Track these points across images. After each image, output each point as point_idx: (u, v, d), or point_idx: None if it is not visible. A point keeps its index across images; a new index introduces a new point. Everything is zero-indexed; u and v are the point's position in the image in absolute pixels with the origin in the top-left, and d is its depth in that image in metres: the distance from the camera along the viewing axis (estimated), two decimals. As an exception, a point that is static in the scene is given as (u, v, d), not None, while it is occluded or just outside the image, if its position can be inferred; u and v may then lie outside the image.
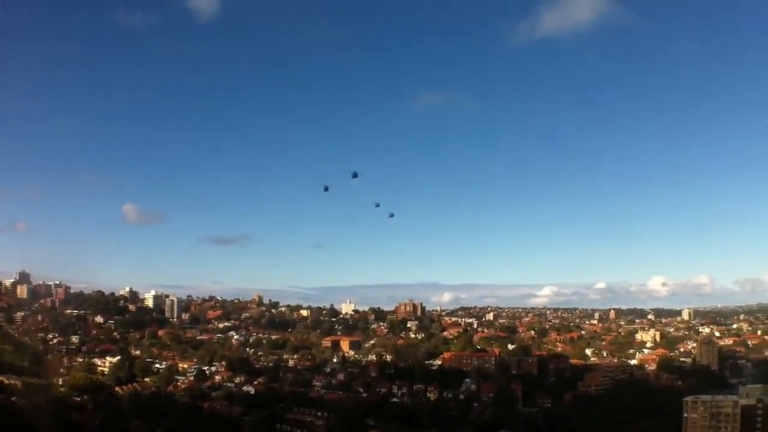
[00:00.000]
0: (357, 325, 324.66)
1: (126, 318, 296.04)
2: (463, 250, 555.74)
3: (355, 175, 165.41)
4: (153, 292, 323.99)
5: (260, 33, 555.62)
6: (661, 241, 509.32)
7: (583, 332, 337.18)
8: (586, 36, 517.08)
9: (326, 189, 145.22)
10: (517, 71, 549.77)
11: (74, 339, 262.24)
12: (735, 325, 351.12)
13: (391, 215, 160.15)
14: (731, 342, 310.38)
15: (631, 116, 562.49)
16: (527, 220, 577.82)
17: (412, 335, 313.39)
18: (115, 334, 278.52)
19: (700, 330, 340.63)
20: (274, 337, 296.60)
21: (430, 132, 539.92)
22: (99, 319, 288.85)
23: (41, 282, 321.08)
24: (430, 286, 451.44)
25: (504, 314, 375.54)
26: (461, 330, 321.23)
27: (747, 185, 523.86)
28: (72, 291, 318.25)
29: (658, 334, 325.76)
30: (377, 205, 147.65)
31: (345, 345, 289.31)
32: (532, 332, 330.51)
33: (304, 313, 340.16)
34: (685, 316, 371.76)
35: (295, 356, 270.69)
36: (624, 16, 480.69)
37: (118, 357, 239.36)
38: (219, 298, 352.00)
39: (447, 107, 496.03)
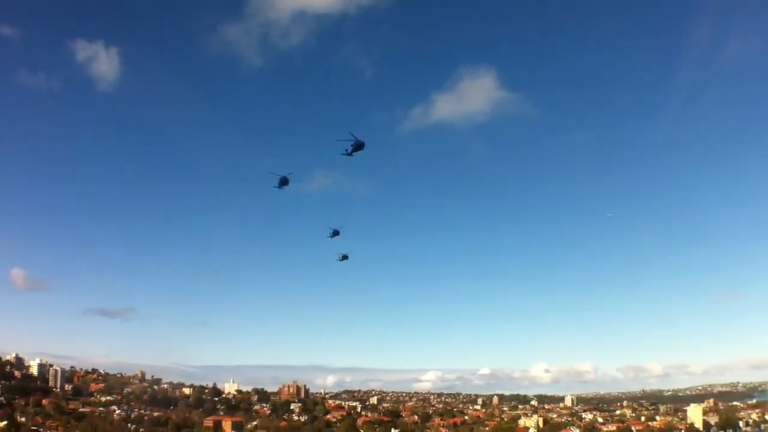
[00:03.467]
0: (239, 405, 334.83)
1: (12, 384, 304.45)
2: (349, 333, 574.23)
3: (335, 233, 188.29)
4: (38, 360, 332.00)
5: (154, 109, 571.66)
6: (544, 327, 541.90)
7: (466, 417, 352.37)
8: (480, 124, 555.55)
9: None
10: (409, 155, 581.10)
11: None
12: (618, 412, 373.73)
13: None
14: (614, 428, 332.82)
15: (518, 203, 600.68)
16: (411, 304, 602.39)
17: (296, 417, 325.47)
18: (2, 398, 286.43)
19: (583, 416, 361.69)
20: (155, 414, 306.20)
21: (322, 212, 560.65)
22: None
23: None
24: (315, 368, 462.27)
25: (388, 398, 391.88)
26: (345, 413, 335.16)
27: (630, 275, 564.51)
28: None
29: (541, 420, 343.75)
30: None
31: (227, 425, 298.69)
32: (416, 417, 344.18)
33: (187, 391, 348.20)
34: (568, 402, 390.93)
35: None
36: (519, 106, 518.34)
37: (5, 422, 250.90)
38: (102, 371, 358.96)
39: (338, 190, 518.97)
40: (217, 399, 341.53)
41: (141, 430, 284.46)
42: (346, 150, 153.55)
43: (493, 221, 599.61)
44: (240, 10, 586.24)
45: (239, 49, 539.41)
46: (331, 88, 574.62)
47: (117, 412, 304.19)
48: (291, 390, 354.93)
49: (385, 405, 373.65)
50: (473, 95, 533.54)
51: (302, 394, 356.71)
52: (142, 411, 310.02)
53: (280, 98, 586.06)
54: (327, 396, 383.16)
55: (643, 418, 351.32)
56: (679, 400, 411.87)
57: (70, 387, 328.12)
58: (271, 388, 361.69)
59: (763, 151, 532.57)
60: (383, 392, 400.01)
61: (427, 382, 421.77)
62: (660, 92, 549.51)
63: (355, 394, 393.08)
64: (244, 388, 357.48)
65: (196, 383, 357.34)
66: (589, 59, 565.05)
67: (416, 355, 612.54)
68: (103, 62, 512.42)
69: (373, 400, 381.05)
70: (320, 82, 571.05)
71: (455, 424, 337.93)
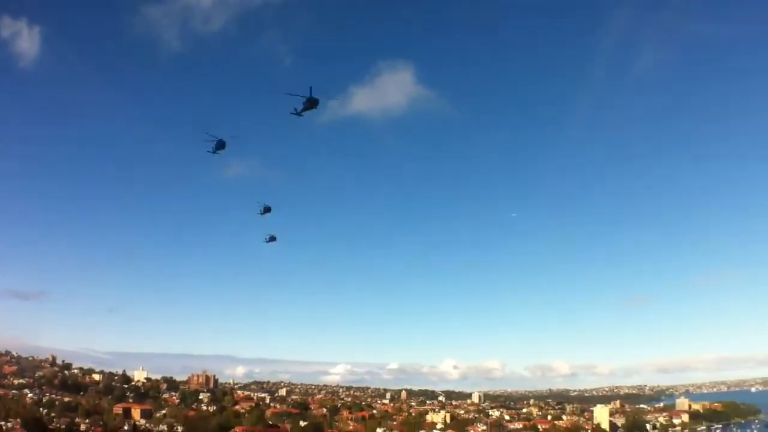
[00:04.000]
0: (149, 393, 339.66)
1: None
2: (259, 323, 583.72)
3: (267, 210, 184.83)
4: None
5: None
6: (453, 324, 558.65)
7: (374, 411, 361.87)
8: (396, 118, 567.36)
9: None
10: (325, 146, 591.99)
11: None
12: (525, 410, 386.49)
13: None
14: (521, 426, 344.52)
15: (430, 199, 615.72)
16: (320, 296, 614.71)
17: (204, 407, 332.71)
18: None
19: (490, 413, 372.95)
20: (66, 399, 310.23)
21: (237, 200, 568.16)
22: None
23: None
24: (224, 359, 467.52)
25: (297, 390, 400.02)
26: (254, 404, 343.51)
27: (538, 275, 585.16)
28: None
29: (448, 415, 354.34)
30: None
31: (136, 413, 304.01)
32: (325, 410, 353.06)
33: (97, 377, 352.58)
34: (476, 398, 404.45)
35: (87, 421, 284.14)
36: (436, 102, 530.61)
37: None
38: (14, 353, 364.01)
39: (256, 179, 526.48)
40: (126, 386, 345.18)
41: (52, 414, 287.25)
42: (296, 109, 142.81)
43: (406, 216, 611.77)
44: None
45: (160, 31, 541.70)
46: (249, 76, 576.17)
47: (29, 395, 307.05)
48: (200, 379, 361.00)
49: (294, 397, 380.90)
50: (391, 89, 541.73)
51: (211, 384, 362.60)
52: (54, 395, 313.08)
53: (198, 84, 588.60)
54: (236, 386, 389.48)
55: (549, 417, 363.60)
56: (585, 401, 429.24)
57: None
58: (180, 377, 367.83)
59: (668, 156, 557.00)
60: (292, 384, 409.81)
61: (336, 375, 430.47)
62: (573, 96, 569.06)
63: (264, 386, 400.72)
64: (153, 376, 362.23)
65: (106, 369, 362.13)
66: (506, 60, 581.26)
67: (326, 347, 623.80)
68: (26, 40, 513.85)
69: (282, 391, 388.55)
70: (239, 69, 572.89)
71: (363, 417, 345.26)
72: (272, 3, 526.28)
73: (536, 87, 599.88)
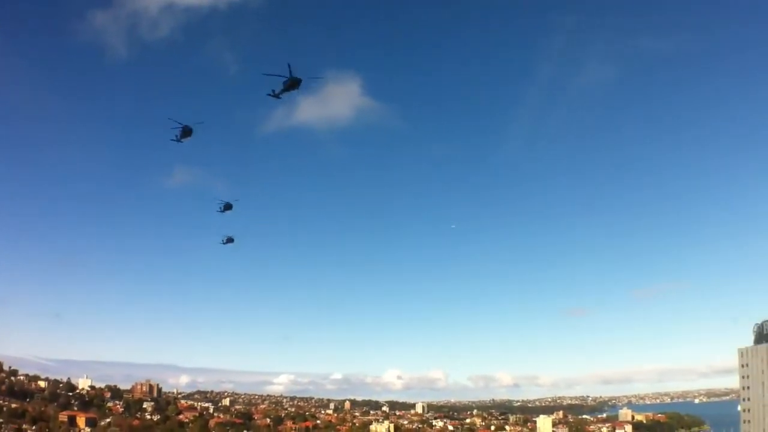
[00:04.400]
0: (93, 401, 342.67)
1: None
2: (203, 333, 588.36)
3: (228, 207, 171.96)
4: None
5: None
6: (397, 334, 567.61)
7: (318, 422, 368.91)
8: (341, 128, 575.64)
9: None
10: (269, 154, 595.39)
11: None
12: (468, 420, 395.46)
13: None
14: None
15: (375, 209, 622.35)
16: (264, 306, 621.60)
17: (148, 416, 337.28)
18: None
19: (434, 423, 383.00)
20: (14, 405, 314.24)
21: (180, 208, 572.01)
22: None
23: None
24: (167, 368, 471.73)
25: (240, 400, 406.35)
26: (197, 414, 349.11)
27: (481, 286, 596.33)
28: None
29: (392, 426, 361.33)
30: None
31: (81, 421, 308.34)
32: (268, 420, 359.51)
33: (42, 384, 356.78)
34: (419, 409, 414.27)
35: (33, 428, 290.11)
36: (382, 114, 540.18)
37: None
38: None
39: (199, 187, 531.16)
40: (71, 394, 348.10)
41: (0, 420, 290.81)
42: (273, 91, 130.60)
43: (350, 225, 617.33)
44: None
45: (107, 37, 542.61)
46: (195, 83, 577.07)
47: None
48: (144, 388, 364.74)
49: (237, 407, 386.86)
50: (337, 100, 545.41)
51: (155, 393, 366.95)
52: (1, 402, 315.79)
53: (144, 90, 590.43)
54: (179, 396, 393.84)
55: (492, 427, 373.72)
56: (528, 411, 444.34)
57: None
58: (124, 386, 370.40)
59: (606, 171, 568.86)
60: (236, 394, 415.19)
61: (279, 385, 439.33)
62: (513, 108, 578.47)
63: (208, 395, 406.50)
64: (98, 384, 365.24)
65: (51, 376, 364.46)
66: (450, 73, 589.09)
67: (270, 357, 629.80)
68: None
69: (226, 401, 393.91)
70: (185, 76, 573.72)
71: (307, 428, 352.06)
72: (219, 11, 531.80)
73: (478, 99, 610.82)
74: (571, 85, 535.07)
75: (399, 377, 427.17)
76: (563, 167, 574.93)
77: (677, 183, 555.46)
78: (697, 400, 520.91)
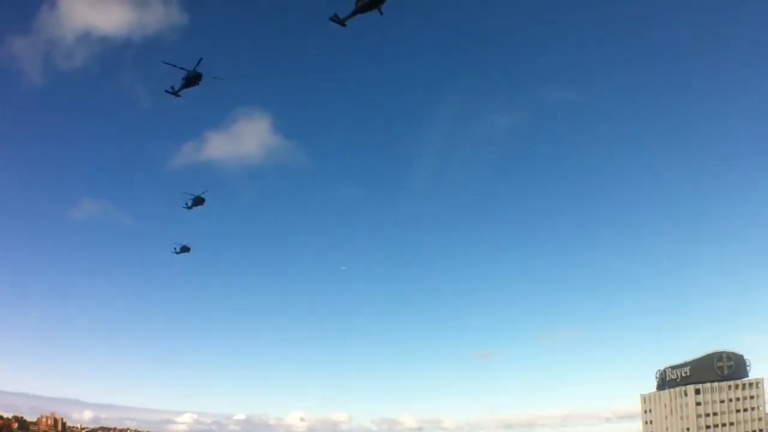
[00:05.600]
0: (2, 430, 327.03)
1: None
2: (107, 367, 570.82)
3: (198, 202, 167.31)
4: None
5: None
6: (300, 375, 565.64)
7: None
8: (251, 167, 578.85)
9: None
10: (177, 191, 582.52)
11: None
12: None
13: None
14: None
15: (281, 253, 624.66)
16: (167, 343, 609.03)
17: None
18: None
19: None
20: None
21: (86, 242, 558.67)
22: None
23: None
24: (71, 402, 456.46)
25: None
26: None
27: (385, 328, 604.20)
28: None
29: None
30: None
31: None
32: None
33: None
34: None
35: None
36: (292, 153, 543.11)
37: None
38: None
39: (107, 220, 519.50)
40: None
41: None
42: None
43: (256, 266, 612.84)
44: (29, 23, 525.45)
45: (22, 64, 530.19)
46: (107, 115, 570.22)
47: None
48: (49, 421, 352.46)
49: None
50: (246, 137, 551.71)
51: (59, 427, 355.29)
52: None
53: (54, 121, 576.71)
54: (83, 431, 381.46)
55: None
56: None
57: None
58: (30, 418, 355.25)
59: (511, 213, 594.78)
60: (138, 431, 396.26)
61: (182, 424, 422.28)
62: (416, 151, 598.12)
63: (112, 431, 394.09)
64: (5, 414, 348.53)
65: None
66: (359, 114, 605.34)
67: (173, 395, 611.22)
68: None
69: None
70: (97, 107, 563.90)
71: None
72: (134, 43, 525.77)
73: (385, 141, 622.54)
74: (475, 126, 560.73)
75: (302, 419, 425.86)
76: (468, 209, 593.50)
77: (580, 230, 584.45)
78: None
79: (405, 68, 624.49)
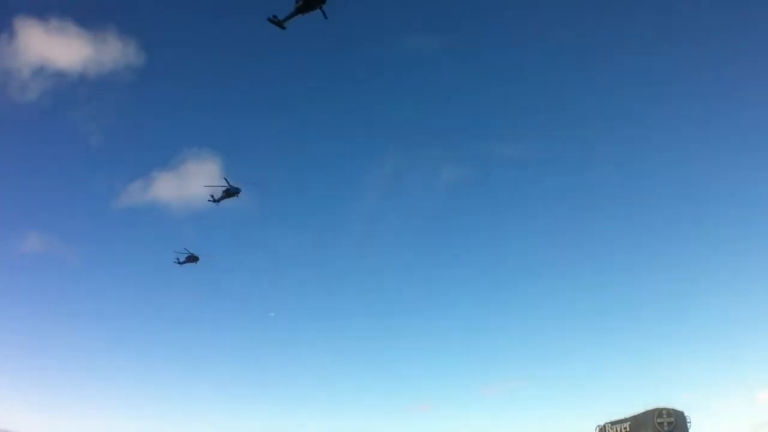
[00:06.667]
0: None
1: None
2: None
3: (231, 193, 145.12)
4: None
5: None
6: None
7: None
8: (197, 210, 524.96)
9: None
10: (122, 230, 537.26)
11: None
12: None
13: None
14: None
15: (222, 303, 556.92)
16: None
17: None
18: None
19: None
20: None
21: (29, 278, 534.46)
22: None
23: None
24: None
25: None
26: None
27: (321, 389, 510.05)
28: None
29: None
30: None
31: None
32: None
33: None
34: None
35: None
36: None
37: None
38: None
39: (54, 256, 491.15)
40: None
41: None
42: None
43: (197, 315, 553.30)
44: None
45: None
46: (57, 150, 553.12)
47: None
48: None
49: None
50: (194, 179, 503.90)
51: None
52: None
53: (5, 154, 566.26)
54: None
55: None
56: None
57: None
58: None
59: (448, 273, 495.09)
60: None
61: None
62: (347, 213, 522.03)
63: None
64: None
65: None
66: (301, 158, 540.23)
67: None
68: None
69: None
70: (48, 142, 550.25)
71: None
72: (88, 80, 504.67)
73: (329, 187, 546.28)
74: (413, 180, 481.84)
75: None
76: (398, 262, 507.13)
77: (526, 281, 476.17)
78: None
79: (360, 116, 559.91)
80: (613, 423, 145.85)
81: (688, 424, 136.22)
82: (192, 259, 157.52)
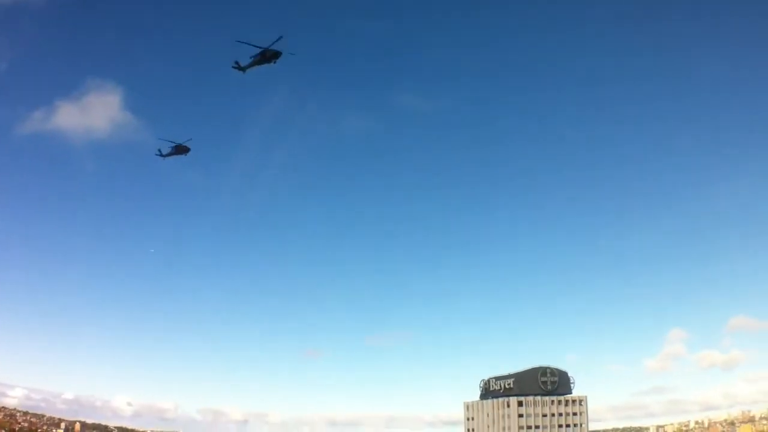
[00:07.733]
0: None
1: None
2: None
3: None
4: None
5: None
6: (128, 359, 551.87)
7: None
8: (97, 140, 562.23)
9: None
10: (23, 158, 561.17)
11: None
12: None
13: None
14: None
15: (119, 232, 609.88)
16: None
17: None
18: None
19: None
20: None
21: None
22: None
23: None
24: None
25: None
26: None
27: (212, 320, 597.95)
28: None
29: None
30: None
31: None
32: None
33: None
34: None
35: None
36: (140, 132, 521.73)
37: None
38: None
39: None
40: None
41: None
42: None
43: (89, 242, 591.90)
44: None
45: None
46: None
47: None
48: None
49: None
50: (96, 110, 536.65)
51: None
52: None
53: None
54: None
55: None
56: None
57: None
58: None
59: (342, 222, 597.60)
60: None
61: (14, 398, 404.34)
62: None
63: None
64: None
65: None
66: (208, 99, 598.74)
67: (5, 368, 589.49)
68: None
69: None
70: None
71: None
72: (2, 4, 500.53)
73: (235, 131, 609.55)
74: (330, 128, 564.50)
75: (129, 404, 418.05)
76: (308, 208, 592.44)
77: (423, 236, 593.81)
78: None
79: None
80: (497, 378, 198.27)
81: (572, 385, 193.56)
82: (181, 150, 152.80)
